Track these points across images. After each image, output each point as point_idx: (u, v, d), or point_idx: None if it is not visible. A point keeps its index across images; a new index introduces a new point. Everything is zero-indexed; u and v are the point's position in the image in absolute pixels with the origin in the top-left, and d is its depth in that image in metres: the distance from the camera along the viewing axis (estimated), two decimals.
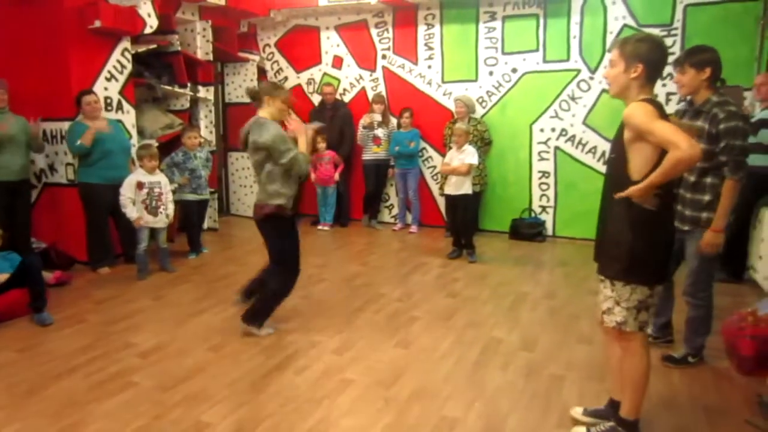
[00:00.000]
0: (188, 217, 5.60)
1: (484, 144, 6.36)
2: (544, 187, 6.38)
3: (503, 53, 6.35)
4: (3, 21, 5.04)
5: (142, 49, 5.66)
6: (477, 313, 4.06)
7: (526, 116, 6.34)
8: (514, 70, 6.32)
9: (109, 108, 5.21)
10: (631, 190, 2.11)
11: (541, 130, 6.29)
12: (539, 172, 6.38)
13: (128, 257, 5.24)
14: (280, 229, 3.55)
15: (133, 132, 5.51)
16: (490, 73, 6.45)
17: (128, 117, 5.45)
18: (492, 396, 2.87)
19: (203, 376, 3.09)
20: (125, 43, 5.34)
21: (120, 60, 5.29)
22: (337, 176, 6.84)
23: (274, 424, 2.61)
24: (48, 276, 4.58)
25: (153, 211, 4.91)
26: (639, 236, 2.18)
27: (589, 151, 6.08)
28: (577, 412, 2.65)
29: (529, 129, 6.35)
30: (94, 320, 3.96)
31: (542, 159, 6.34)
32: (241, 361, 3.29)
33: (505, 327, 3.79)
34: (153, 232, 5.01)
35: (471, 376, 3.09)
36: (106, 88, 5.16)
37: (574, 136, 6.15)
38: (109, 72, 5.20)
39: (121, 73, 5.33)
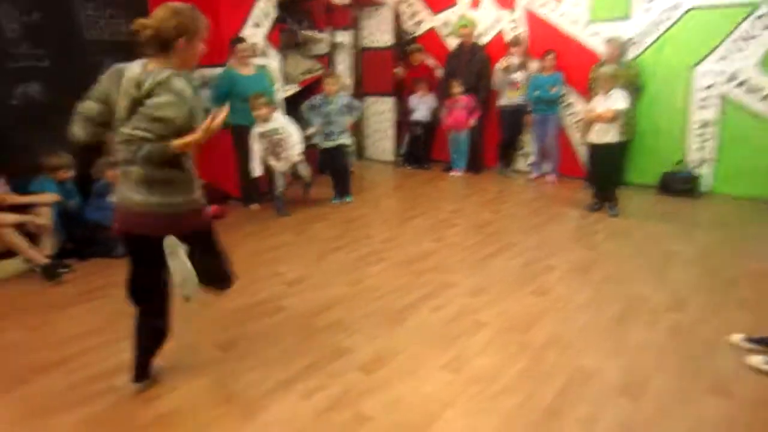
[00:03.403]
0: (324, 163, 5.75)
1: (634, 90, 5.84)
2: (703, 138, 5.76)
3: None
4: None
5: None
6: (618, 269, 3.84)
7: (687, 58, 5.70)
8: (676, 6, 5.66)
9: (256, 54, 5.45)
10: None
11: (705, 74, 5.64)
12: (698, 121, 5.76)
13: (273, 196, 5.59)
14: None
15: (278, 77, 5.76)
16: (647, 10, 5.85)
17: (273, 62, 5.69)
18: (634, 353, 2.72)
19: (342, 307, 3.26)
20: None
21: (265, 6, 5.49)
22: (473, 122, 6.69)
23: (411, 356, 2.70)
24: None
25: (276, 156, 5.14)
26: None
27: (765, 97, 5.35)
28: (736, 338, 2.47)
29: (689, 73, 5.72)
30: (245, 250, 4.31)
31: (703, 107, 5.70)
32: (376, 296, 3.42)
33: (651, 285, 3.55)
34: (296, 172, 5.28)
35: (611, 330, 2.96)
36: (253, 35, 5.40)
37: (746, 82, 5.43)
38: (255, 19, 5.42)
39: (266, 19, 5.53)
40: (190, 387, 2.49)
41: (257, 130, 5.03)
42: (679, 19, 5.68)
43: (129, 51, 5.00)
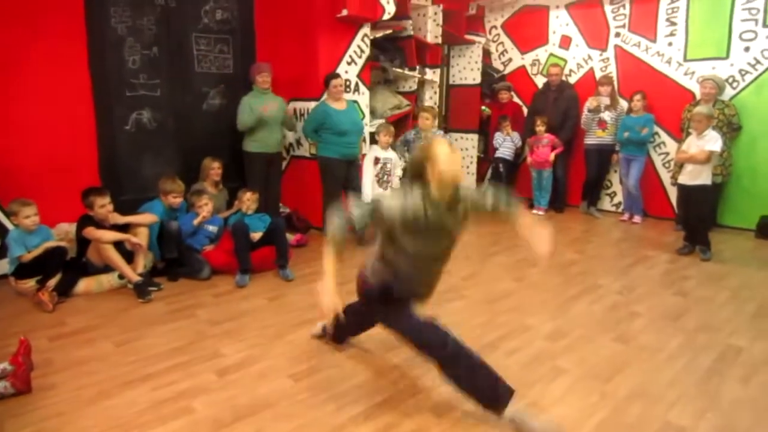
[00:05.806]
0: None
1: (731, 130, 5.60)
2: None
3: (765, 26, 5.48)
4: (268, 13, 5.81)
5: (379, 34, 6.09)
6: (712, 316, 3.65)
7: None
8: None
9: (348, 90, 5.70)
10: None
11: None
12: None
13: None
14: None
15: (367, 112, 5.98)
16: (746, 49, 5.63)
17: (363, 98, 5.91)
18: (729, 409, 2.57)
19: None
20: (365, 29, 5.76)
21: (360, 45, 5.75)
22: (552, 156, 6.60)
23: None
24: (290, 238, 5.24)
25: (383, 184, 5.33)
26: None
27: None
28: None
29: None
30: None
31: None
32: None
33: (748, 336, 3.35)
34: None
35: (702, 384, 2.81)
36: (346, 72, 5.66)
37: None
38: (350, 56, 5.69)
39: (360, 57, 5.78)
40: (262, 415, 2.52)
41: (373, 154, 5.31)
42: None
43: (231, 83, 5.51)
